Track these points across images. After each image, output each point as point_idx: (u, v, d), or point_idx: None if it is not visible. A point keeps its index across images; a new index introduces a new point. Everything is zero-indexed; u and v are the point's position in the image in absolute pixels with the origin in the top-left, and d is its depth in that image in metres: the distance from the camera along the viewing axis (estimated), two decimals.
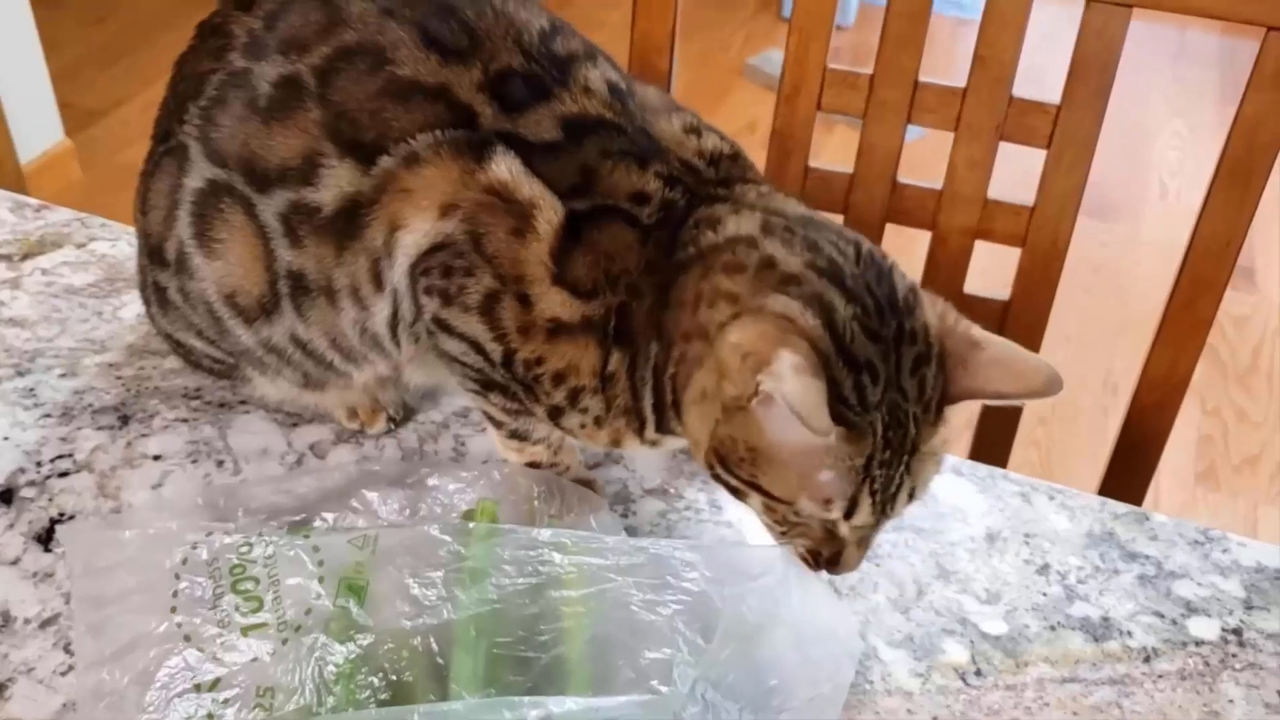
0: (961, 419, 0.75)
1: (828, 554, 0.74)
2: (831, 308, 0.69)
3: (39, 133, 2.83)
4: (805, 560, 0.75)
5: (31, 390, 0.96)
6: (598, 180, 0.75)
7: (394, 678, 0.69)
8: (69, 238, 1.11)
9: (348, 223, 0.77)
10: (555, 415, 0.80)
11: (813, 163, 1.28)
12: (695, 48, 3.62)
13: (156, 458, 0.91)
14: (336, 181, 0.77)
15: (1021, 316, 1.25)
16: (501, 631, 0.71)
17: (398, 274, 0.78)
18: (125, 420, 0.94)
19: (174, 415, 0.95)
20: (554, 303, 0.75)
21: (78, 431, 0.92)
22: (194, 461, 0.91)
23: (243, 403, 0.96)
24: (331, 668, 0.69)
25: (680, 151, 0.78)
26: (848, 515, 0.71)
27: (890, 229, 1.27)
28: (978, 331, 0.73)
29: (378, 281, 0.79)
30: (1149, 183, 3.23)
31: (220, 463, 0.91)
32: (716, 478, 0.74)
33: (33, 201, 1.16)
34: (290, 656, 0.70)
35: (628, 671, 0.69)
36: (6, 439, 0.91)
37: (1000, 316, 1.26)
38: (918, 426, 0.70)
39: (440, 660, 0.70)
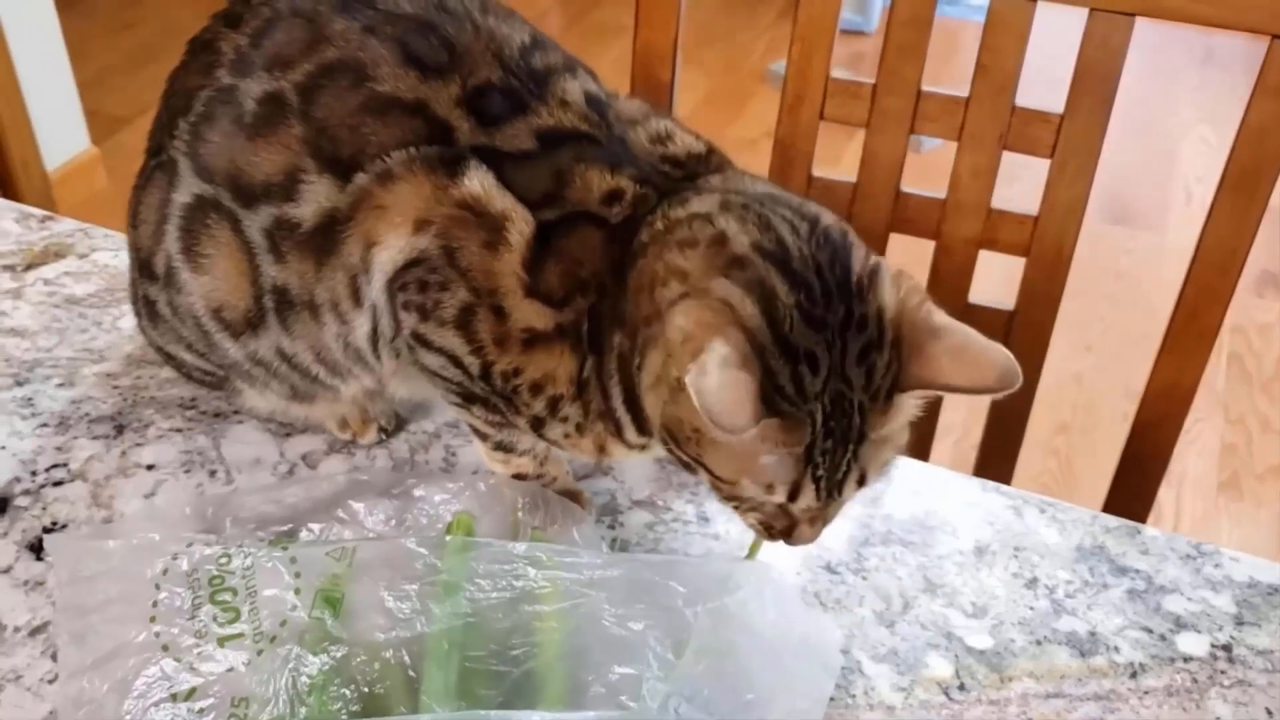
0: (969, 437, 0.74)
1: (780, 528, 0.74)
2: (773, 294, 0.67)
3: (65, 140, 2.86)
4: (759, 532, 0.76)
5: (29, 400, 0.97)
6: (568, 189, 0.75)
7: (366, 690, 0.69)
8: (72, 248, 1.13)
9: (325, 238, 0.78)
10: (538, 426, 0.81)
11: (816, 172, 1.27)
12: (717, 54, 3.62)
13: (150, 467, 0.92)
14: (315, 197, 0.78)
15: (1026, 326, 1.24)
16: (474, 645, 0.71)
17: (375, 290, 0.79)
18: (120, 430, 0.95)
19: (169, 425, 0.96)
20: (528, 313, 0.75)
21: (73, 441, 0.94)
22: (187, 471, 0.92)
23: (236, 413, 0.97)
24: (305, 679, 0.69)
25: (650, 157, 0.78)
26: (791, 499, 0.70)
27: (895, 238, 1.27)
28: (939, 318, 0.69)
29: (356, 297, 0.80)
30: (1174, 189, 3.20)
31: (213, 472, 0.92)
32: (669, 451, 0.74)
33: (37, 212, 1.18)
34: (265, 667, 0.70)
35: (598, 687, 0.69)
36: (3, 448, 0.93)
37: (1005, 326, 1.25)
38: (864, 415, 0.68)
39: (412, 673, 0.70)
